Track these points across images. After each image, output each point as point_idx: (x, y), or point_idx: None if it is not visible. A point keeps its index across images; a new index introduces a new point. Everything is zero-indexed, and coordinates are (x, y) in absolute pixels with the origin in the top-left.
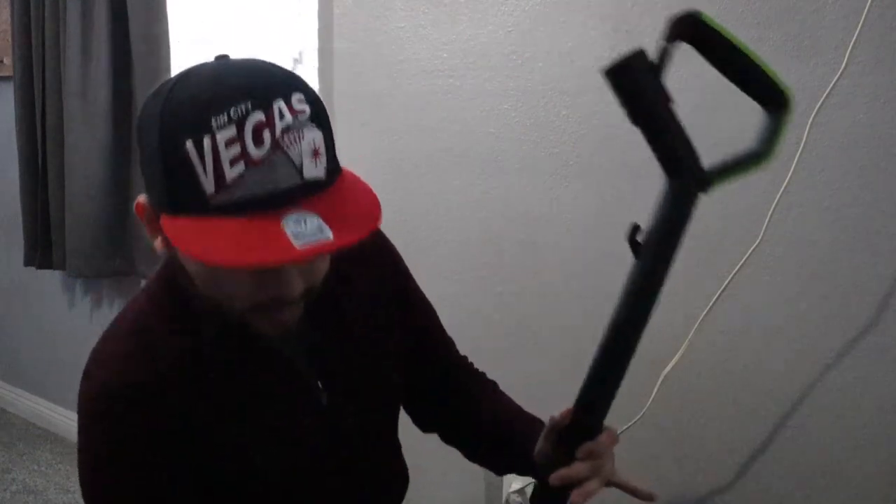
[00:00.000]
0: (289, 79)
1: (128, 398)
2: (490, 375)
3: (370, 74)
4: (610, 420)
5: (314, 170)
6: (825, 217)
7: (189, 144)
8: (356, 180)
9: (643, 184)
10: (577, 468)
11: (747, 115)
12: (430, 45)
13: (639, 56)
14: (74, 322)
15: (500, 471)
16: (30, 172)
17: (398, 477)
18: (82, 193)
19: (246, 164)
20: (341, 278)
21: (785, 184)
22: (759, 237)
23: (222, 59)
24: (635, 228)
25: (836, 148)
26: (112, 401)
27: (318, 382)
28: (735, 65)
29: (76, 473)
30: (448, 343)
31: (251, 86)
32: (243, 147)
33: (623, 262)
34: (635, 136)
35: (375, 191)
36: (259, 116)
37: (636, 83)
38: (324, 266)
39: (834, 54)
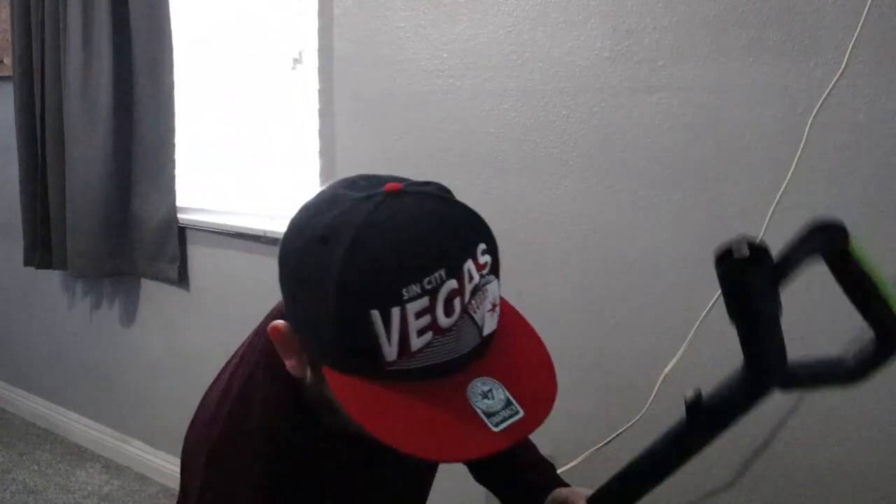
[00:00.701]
0: (475, 229)
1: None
2: None
3: (370, 74)
4: (610, 420)
5: (492, 325)
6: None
7: (375, 314)
8: (509, 314)
9: (643, 184)
10: None
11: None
12: (430, 45)
13: (762, 251)
14: (74, 322)
15: (496, 493)
16: (30, 172)
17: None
18: (82, 193)
19: (434, 333)
20: None
21: (785, 184)
22: (759, 237)
23: (396, 197)
24: (697, 395)
25: (836, 148)
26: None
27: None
28: (864, 293)
29: (76, 473)
30: None
31: (444, 250)
32: (434, 318)
33: (623, 262)
34: (635, 135)
35: None
36: (452, 285)
37: (748, 285)
38: None
39: (834, 54)
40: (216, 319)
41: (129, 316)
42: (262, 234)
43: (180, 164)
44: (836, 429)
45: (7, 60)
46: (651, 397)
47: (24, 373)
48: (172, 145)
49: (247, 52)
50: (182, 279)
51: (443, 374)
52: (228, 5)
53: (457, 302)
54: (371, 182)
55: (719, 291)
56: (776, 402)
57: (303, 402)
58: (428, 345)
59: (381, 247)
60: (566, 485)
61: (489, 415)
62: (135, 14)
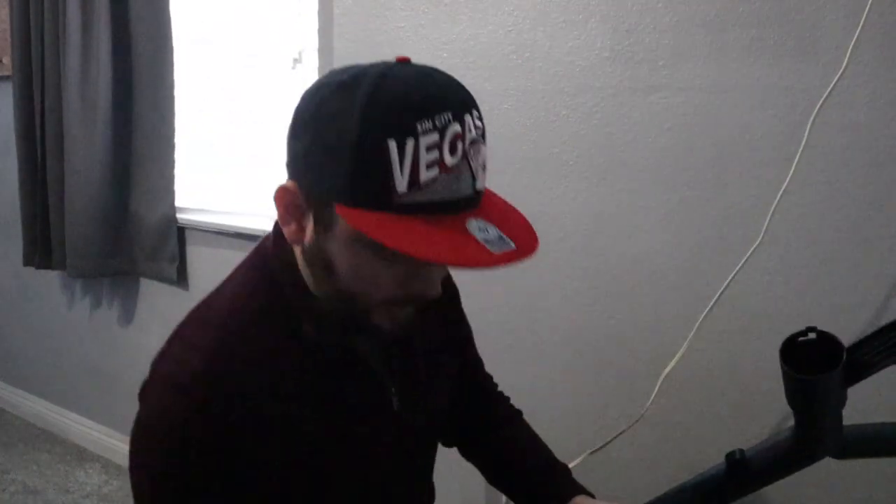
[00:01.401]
0: (470, 95)
1: (202, 391)
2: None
3: None
4: (610, 420)
5: (483, 182)
6: (825, 217)
7: (392, 143)
8: (494, 194)
9: (643, 184)
10: None
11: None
12: (430, 45)
13: (837, 356)
14: (74, 322)
15: (511, 497)
16: (29, 172)
17: (430, 492)
18: (82, 193)
19: (440, 170)
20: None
21: (785, 184)
22: (759, 237)
23: (405, 63)
24: (741, 451)
25: (836, 148)
26: (181, 393)
27: (392, 387)
28: None
29: (75, 473)
30: (479, 361)
31: (450, 97)
32: (441, 153)
33: (623, 262)
34: (635, 135)
35: None
36: (456, 128)
37: (817, 389)
38: (448, 279)
39: (834, 54)
40: None
41: (128, 316)
42: (261, 234)
43: (180, 164)
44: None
45: (7, 60)
46: (651, 397)
47: (24, 373)
48: (172, 145)
49: (247, 52)
50: (181, 279)
51: (443, 210)
52: (228, 5)
53: (459, 144)
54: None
55: (719, 291)
56: (776, 401)
57: (282, 307)
58: (434, 180)
59: (401, 86)
60: (587, 492)
61: (487, 242)
62: (135, 14)
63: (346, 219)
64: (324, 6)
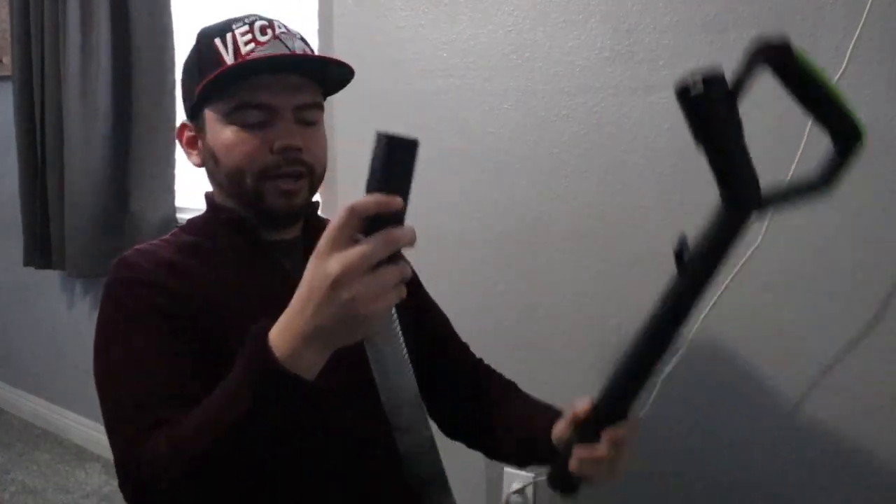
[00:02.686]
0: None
1: (136, 279)
2: None
3: (370, 74)
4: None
5: (302, 49)
6: (825, 217)
7: (217, 40)
8: None
9: (643, 184)
10: (599, 449)
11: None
12: (430, 44)
13: (716, 80)
14: (74, 322)
15: (524, 464)
16: (29, 172)
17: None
18: (82, 193)
19: (255, 44)
20: None
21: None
22: (759, 237)
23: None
24: (682, 241)
25: None
26: (124, 272)
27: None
28: (814, 97)
29: (75, 473)
30: (463, 346)
31: (257, 16)
32: (253, 35)
33: (623, 263)
34: (635, 136)
35: None
36: (263, 22)
37: (709, 110)
38: (320, 149)
39: (834, 54)
40: None
41: None
42: None
43: (180, 164)
44: (836, 429)
45: (7, 60)
46: (651, 397)
47: (24, 373)
48: (173, 145)
49: None
50: None
51: (268, 69)
52: (229, 5)
53: (269, 31)
54: None
55: (719, 292)
56: (777, 401)
57: (214, 220)
58: (252, 50)
59: (220, 21)
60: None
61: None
62: (135, 13)
63: (204, 104)
64: (324, 6)
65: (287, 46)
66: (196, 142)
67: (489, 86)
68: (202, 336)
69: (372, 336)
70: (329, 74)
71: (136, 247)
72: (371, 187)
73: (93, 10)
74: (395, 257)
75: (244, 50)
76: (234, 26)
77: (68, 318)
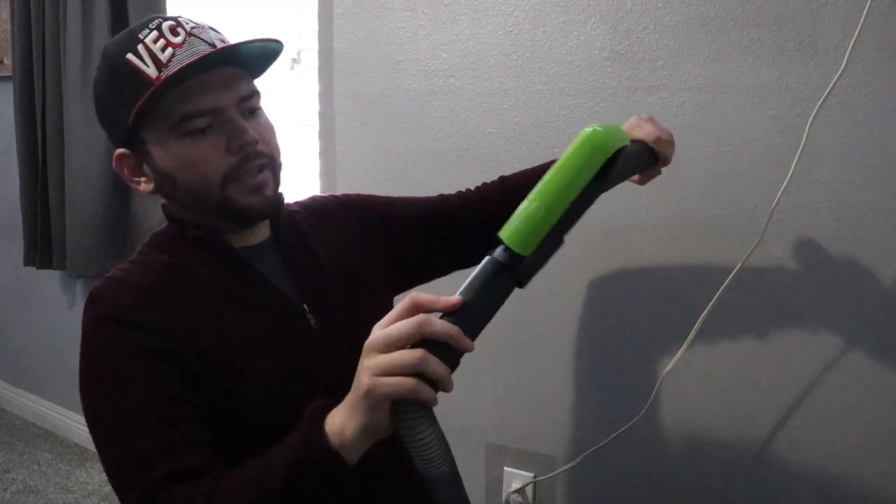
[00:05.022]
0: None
1: (115, 317)
2: (489, 374)
3: (370, 74)
4: (610, 420)
5: (221, 41)
6: (825, 217)
7: (130, 56)
8: None
9: None
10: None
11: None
12: (430, 45)
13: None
14: (74, 322)
15: None
16: (30, 173)
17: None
18: (82, 193)
19: (172, 47)
20: (306, 223)
21: (785, 184)
22: (759, 237)
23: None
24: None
25: (836, 148)
26: (100, 323)
27: (305, 306)
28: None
29: (76, 473)
30: (440, 201)
31: (156, 17)
32: (166, 39)
33: (623, 262)
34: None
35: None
36: (170, 23)
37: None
38: (272, 135)
39: (834, 54)
40: None
41: None
42: None
43: None
44: (836, 429)
45: (7, 60)
46: (651, 397)
47: (24, 373)
48: None
49: None
50: None
51: (195, 72)
52: (227, 5)
53: (180, 30)
54: None
55: (719, 291)
56: (776, 401)
57: (180, 238)
58: (172, 55)
59: (119, 34)
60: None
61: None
62: (134, 14)
63: (143, 130)
64: (324, 6)
65: (204, 41)
66: (140, 168)
67: (489, 86)
68: (189, 365)
69: (400, 428)
70: (255, 55)
71: (108, 275)
72: (465, 298)
73: (93, 11)
74: (446, 354)
75: (163, 57)
76: (140, 35)
77: (68, 318)
